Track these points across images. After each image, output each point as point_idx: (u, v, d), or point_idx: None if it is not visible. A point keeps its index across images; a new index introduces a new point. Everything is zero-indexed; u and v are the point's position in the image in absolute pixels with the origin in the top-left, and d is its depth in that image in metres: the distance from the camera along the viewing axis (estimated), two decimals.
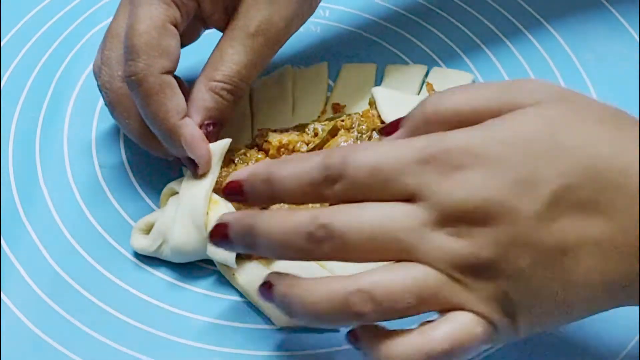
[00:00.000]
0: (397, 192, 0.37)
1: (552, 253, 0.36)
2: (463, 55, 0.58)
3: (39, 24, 0.60)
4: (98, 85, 0.49)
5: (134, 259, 0.48)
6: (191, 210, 0.46)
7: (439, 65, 0.57)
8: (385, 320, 0.37)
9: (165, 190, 0.48)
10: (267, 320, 0.46)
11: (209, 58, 0.47)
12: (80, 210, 0.50)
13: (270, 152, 0.49)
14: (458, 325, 0.36)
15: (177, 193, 0.47)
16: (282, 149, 0.49)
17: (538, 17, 0.60)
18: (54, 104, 0.55)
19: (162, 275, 0.47)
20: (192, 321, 0.46)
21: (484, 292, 0.36)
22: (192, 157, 0.46)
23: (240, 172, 0.41)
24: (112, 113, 0.49)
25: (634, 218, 0.36)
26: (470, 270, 0.36)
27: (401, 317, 0.37)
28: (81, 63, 0.57)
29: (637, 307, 0.44)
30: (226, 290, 0.47)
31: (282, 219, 0.38)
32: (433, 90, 0.54)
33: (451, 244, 0.36)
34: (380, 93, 0.52)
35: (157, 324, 0.45)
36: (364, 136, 0.50)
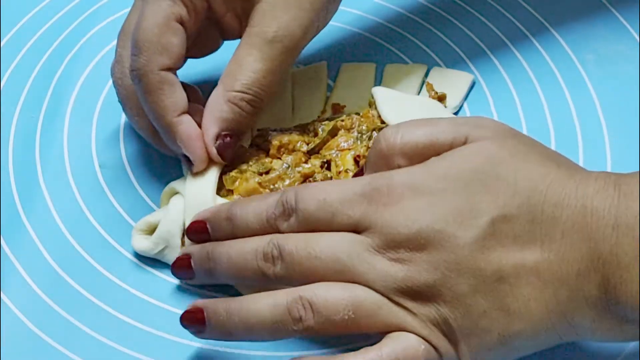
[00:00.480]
0: (344, 224, 0.40)
1: (490, 280, 0.37)
2: (463, 55, 0.58)
3: (39, 24, 0.60)
4: (113, 82, 0.49)
5: (134, 259, 0.48)
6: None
7: (439, 66, 0.57)
8: (327, 334, 0.40)
9: (166, 189, 0.48)
10: None
11: (227, 67, 0.47)
12: (80, 210, 0.50)
13: (271, 152, 0.49)
14: (401, 345, 0.38)
15: (177, 193, 0.47)
16: (282, 149, 0.49)
17: (538, 17, 0.60)
18: (54, 104, 0.55)
19: (162, 275, 0.47)
20: None
21: (424, 316, 0.38)
22: (188, 155, 0.46)
23: (204, 213, 0.44)
24: (123, 109, 0.49)
25: (571, 247, 0.37)
26: (410, 294, 0.38)
27: (343, 332, 0.39)
28: (81, 63, 0.57)
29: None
30: (226, 290, 0.47)
31: (240, 243, 0.42)
32: (433, 90, 0.54)
33: (391, 268, 0.38)
34: (380, 93, 0.52)
35: (157, 324, 0.45)
36: (364, 136, 0.50)
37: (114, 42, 0.53)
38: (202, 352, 0.44)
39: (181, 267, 0.44)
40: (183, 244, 0.46)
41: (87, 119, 0.55)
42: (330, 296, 0.38)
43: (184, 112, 0.46)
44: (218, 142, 0.46)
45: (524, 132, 0.54)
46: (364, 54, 0.58)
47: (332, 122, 0.50)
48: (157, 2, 0.46)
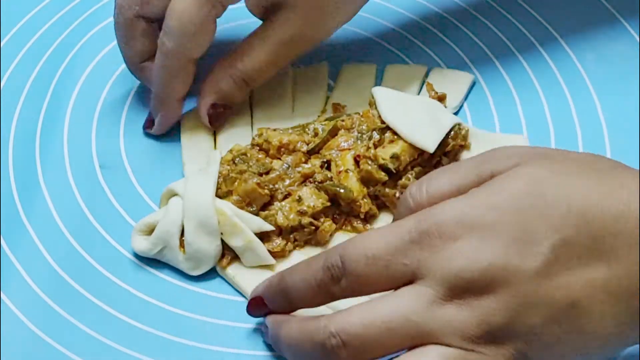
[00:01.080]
0: (399, 276, 0.37)
1: (562, 306, 0.36)
2: (463, 55, 0.58)
3: (39, 24, 0.60)
4: (116, 5, 0.52)
5: (134, 259, 0.48)
6: (202, 223, 0.46)
7: (439, 66, 0.57)
8: None
9: (165, 191, 0.48)
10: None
11: (238, 46, 0.51)
12: (80, 210, 0.50)
13: (271, 152, 0.49)
14: None
15: (176, 195, 0.47)
16: (282, 149, 0.49)
17: (538, 17, 0.60)
18: (54, 104, 0.55)
19: (162, 275, 0.47)
20: (192, 321, 0.46)
21: (502, 356, 0.36)
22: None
23: (257, 288, 0.43)
24: (115, 32, 0.52)
25: (636, 261, 0.36)
26: (485, 339, 0.36)
27: None
28: (81, 63, 0.57)
29: None
30: (226, 290, 0.47)
31: (296, 328, 0.40)
32: (433, 90, 0.54)
33: (463, 317, 0.36)
34: (380, 93, 0.52)
35: (157, 324, 0.45)
36: (364, 136, 0.50)
37: (114, 42, 0.53)
38: (202, 352, 0.44)
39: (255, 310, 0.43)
40: (181, 244, 0.46)
41: (87, 119, 0.55)
42: None
43: (150, 58, 0.51)
44: (211, 110, 0.51)
45: (524, 132, 0.54)
46: (364, 54, 0.58)
47: (332, 122, 0.50)
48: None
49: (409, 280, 0.37)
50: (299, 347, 0.39)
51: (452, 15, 0.60)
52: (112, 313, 0.46)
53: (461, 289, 0.36)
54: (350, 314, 0.37)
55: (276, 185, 0.48)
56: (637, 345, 0.43)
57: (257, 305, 0.43)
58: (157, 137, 0.53)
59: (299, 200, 0.47)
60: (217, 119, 0.52)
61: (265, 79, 0.51)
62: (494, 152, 0.40)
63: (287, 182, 0.48)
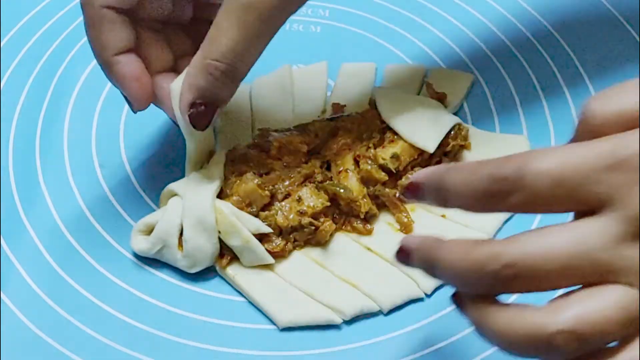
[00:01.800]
0: (584, 202, 0.33)
1: None
2: (463, 55, 0.58)
3: (39, 24, 0.60)
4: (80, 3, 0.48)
5: (134, 259, 0.48)
6: (200, 220, 0.46)
7: (439, 65, 0.57)
8: None
9: (165, 191, 0.48)
10: (267, 320, 0.46)
11: (208, 33, 0.45)
12: (80, 210, 0.50)
13: (271, 152, 0.49)
14: None
15: (176, 195, 0.47)
16: (283, 149, 0.49)
17: (538, 17, 0.60)
18: (54, 104, 0.55)
19: (162, 275, 0.47)
20: (192, 321, 0.46)
21: None
22: (125, 95, 0.47)
23: (419, 174, 0.37)
24: (85, 28, 0.48)
25: None
26: None
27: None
28: (81, 63, 0.57)
29: None
30: (226, 290, 0.47)
31: (461, 253, 0.35)
32: (433, 89, 0.54)
33: None
34: (380, 93, 0.52)
35: (156, 323, 0.45)
36: (364, 136, 0.50)
37: None
38: (202, 352, 0.44)
39: (403, 256, 0.37)
40: (180, 244, 0.46)
41: (87, 119, 0.55)
42: (596, 318, 0.32)
43: (124, 52, 0.46)
44: (192, 110, 0.45)
45: (524, 132, 0.54)
46: (363, 54, 0.58)
47: (332, 123, 0.50)
48: None
49: (593, 208, 0.33)
50: (462, 273, 0.34)
51: (452, 15, 0.61)
52: (112, 313, 0.46)
53: None
54: (526, 244, 0.33)
55: (276, 186, 0.48)
56: None
57: (414, 190, 0.38)
58: (157, 137, 0.53)
59: (299, 200, 0.47)
60: (200, 120, 0.45)
61: (249, 62, 0.45)
62: None
63: (287, 182, 0.48)
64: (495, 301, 0.34)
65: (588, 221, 0.33)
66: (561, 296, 0.33)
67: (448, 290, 0.46)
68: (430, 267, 0.36)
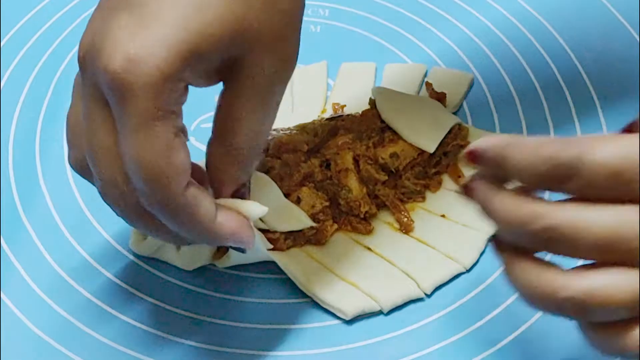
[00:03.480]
0: (633, 197, 0.34)
1: None
2: (462, 55, 0.58)
3: (39, 24, 0.60)
4: (109, 204, 0.40)
5: (134, 259, 0.48)
6: None
7: (438, 65, 0.57)
8: None
9: None
10: (267, 320, 0.46)
11: (223, 131, 0.40)
12: (80, 210, 0.50)
13: (270, 151, 0.49)
14: None
15: None
16: (282, 149, 0.49)
17: (538, 17, 0.60)
18: (54, 104, 0.55)
19: (162, 275, 0.47)
20: (192, 321, 0.46)
21: None
22: (239, 246, 0.41)
23: (482, 143, 0.38)
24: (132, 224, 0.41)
25: None
26: None
27: None
28: None
29: None
30: (226, 290, 0.47)
31: (511, 205, 0.36)
32: (432, 89, 0.54)
33: None
34: (380, 92, 0.52)
35: (157, 323, 0.45)
36: (364, 135, 0.50)
37: None
38: (201, 352, 0.44)
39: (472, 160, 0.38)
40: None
41: None
42: (610, 295, 0.34)
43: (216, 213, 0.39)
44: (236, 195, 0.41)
45: (523, 132, 0.54)
46: (363, 53, 0.58)
47: (332, 122, 0.50)
48: (150, 128, 0.36)
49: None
50: (507, 219, 0.36)
51: (452, 15, 0.61)
52: (112, 313, 0.46)
53: None
54: (572, 212, 0.35)
55: None
56: None
57: (474, 158, 0.38)
58: None
59: (299, 200, 0.47)
60: (244, 197, 0.41)
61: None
62: None
63: (287, 181, 0.48)
64: (527, 254, 0.36)
65: (635, 208, 0.34)
66: (585, 266, 0.34)
67: (448, 290, 0.47)
68: (485, 207, 0.38)
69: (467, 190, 0.39)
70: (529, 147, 0.36)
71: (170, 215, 0.38)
